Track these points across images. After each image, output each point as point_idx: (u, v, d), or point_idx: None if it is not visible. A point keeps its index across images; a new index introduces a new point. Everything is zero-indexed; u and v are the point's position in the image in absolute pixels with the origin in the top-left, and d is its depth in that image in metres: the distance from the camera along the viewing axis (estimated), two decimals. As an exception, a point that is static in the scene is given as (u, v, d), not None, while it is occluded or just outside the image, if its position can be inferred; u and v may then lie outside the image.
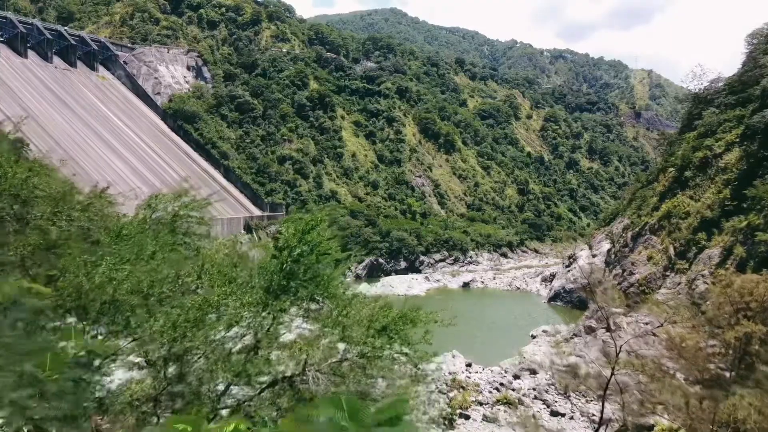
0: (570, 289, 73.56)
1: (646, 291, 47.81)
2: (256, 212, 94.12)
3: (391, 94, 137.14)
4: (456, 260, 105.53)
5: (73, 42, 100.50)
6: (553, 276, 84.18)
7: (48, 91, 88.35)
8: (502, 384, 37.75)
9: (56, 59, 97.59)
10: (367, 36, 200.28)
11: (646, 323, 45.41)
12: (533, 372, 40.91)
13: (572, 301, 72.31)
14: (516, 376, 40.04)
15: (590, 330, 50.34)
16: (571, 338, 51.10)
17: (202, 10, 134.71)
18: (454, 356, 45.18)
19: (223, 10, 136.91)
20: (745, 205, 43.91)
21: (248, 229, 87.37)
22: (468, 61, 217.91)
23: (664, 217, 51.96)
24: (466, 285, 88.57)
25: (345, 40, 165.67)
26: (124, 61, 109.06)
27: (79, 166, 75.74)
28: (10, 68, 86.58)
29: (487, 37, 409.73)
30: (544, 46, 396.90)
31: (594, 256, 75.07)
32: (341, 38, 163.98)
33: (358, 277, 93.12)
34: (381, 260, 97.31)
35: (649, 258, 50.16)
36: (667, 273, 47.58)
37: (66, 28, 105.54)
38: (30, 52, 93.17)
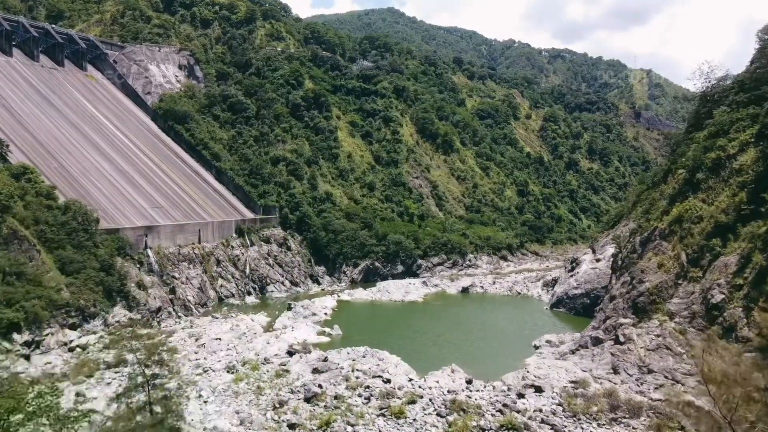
0: (573, 295, 70.84)
1: (657, 300, 45.03)
2: (249, 215, 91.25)
3: (388, 94, 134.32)
4: (455, 264, 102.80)
5: (60, 40, 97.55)
6: (555, 281, 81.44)
7: (33, 90, 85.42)
8: (505, 405, 34.90)
9: (43, 58, 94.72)
10: (364, 35, 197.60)
11: (658, 335, 42.77)
12: (538, 390, 38.10)
13: (576, 307, 69.60)
14: (520, 395, 37.21)
15: (597, 341, 47.66)
16: (577, 350, 48.39)
17: (195, 9, 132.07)
18: (453, 371, 42.45)
19: (217, 8, 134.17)
20: (763, 209, 41.17)
21: (240, 232, 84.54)
22: (466, 61, 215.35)
23: (675, 221, 49.11)
24: (465, 290, 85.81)
25: (341, 39, 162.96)
26: (114, 60, 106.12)
27: (63, 169, 72.98)
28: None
29: (485, 36, 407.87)
30: (542, 46, 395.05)
31: (598, 260, 72.43)
32: (337, 37, 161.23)
33: (353, 282, 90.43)
34: (377, 264, 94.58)
35: (660, 265, 47.31)
36: (680, 281, 44.75)
37: (53, 26, 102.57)
38: (15, 51, 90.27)
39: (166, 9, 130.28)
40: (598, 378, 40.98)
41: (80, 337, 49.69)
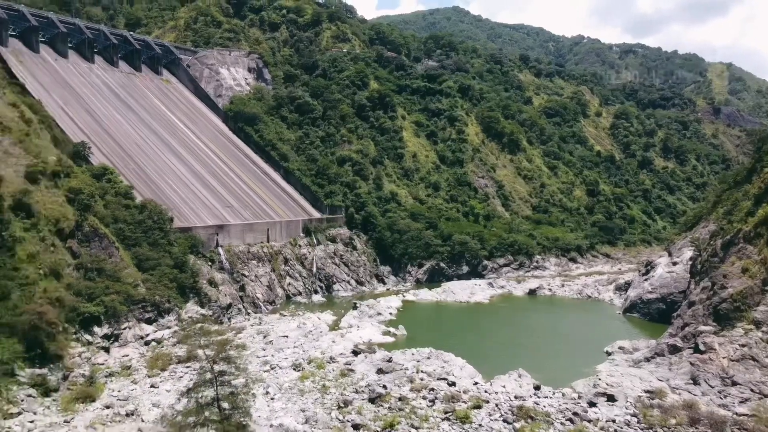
0: (648, 299, 67.79)
1: (742, 307, 42.35)
2: (316, 215, 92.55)
3: (453, 93, 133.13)
4: (521, 265, 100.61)
5: (138, 46, 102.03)
6: (628, 284, 78.29)
7: (113, 95, 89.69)
8: (575, 413, 33.65)
9: (122, 64, 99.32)
10: (429, 35, 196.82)
11: (743, 345, 40.24)
12: (611, 399, 36.52)
13: (651, 313, 66.62)
14: (591, 404, 35.77)
15: (675, 349, 45.32)
16: (653, 358, 46.18)
17: (263, 13, 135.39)
18: (520, 376, 41.37)
19: (284, 11, 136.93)
20: None
21: (307, 231, 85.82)
22: (533, 58, 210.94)
23: (761, 223, 46.04)
24: (532, 292, 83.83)
25: (406, 39, 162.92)
26: (187, 65, 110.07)
27: (140, 170, 76.22)
28: (78, 73, 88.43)
29: (552, 33, 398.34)
30: (613, 41, 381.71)
31: (674, 264, 69.09)
32: (402, 37, 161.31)
33: (418, 282, 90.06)
34: (442, 264, 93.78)
35: (744, 270, 44.46)
36: (767, 288, 41.96)
37: (131, 33, 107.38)
38: (97, 57, 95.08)
39: (236, 14, 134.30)
40: (676, 388, 38.92)
41: (155, 331, 51.65)
